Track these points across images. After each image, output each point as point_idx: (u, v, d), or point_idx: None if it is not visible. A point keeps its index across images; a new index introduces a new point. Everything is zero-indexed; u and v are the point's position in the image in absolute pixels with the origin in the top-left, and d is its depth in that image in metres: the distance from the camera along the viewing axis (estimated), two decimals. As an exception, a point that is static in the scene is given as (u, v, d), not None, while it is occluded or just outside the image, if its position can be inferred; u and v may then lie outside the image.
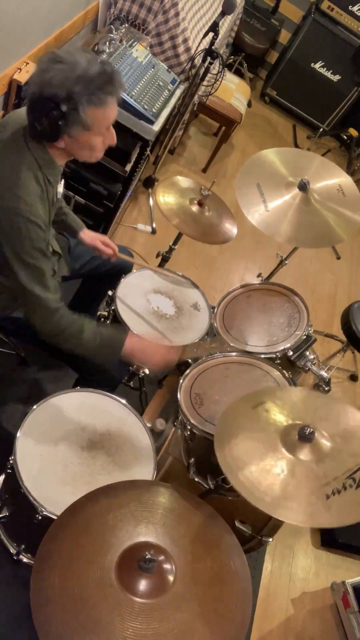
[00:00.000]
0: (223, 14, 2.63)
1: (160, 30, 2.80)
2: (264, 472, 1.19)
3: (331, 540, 2.45)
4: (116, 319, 1.94)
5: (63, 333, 1.49)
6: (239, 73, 4.74)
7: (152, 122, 2.45)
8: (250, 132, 4.76)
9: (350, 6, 4.44)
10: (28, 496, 1.38)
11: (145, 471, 1.55)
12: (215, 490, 1.59)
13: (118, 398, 1.68)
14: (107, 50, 2.44)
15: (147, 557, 1.09)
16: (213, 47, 2.77)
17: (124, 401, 1.68)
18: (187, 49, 2.82)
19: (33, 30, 2.16)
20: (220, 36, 2.75)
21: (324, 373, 2.03)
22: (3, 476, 1.58)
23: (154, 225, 3.30)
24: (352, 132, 4.79)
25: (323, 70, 4.80)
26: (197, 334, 2.01)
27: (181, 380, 1.77)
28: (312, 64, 4.79)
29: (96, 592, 1.06)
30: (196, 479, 1.67)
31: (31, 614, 1.02)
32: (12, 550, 1.59)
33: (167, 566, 1.13)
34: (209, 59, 2.83)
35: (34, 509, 1.37)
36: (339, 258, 4.09)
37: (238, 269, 3.51)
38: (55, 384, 2.23)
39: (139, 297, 2.04)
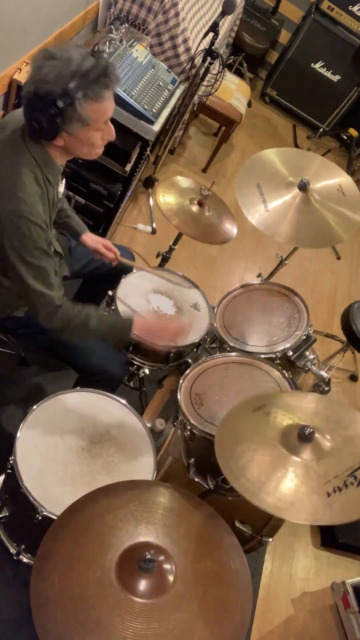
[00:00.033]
0: (223, 14, 2.63)
1: (160, 30, 2.80)
2: (264, 472, 1.19)
3: (331, 540, 2.45)
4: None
5: (70, 326, 1.52)
6: (239, 73, 4.74)
7: (152, 122, 2.45)
8: (250, 132, 4.76)
9: (350, 6, 4.44)
10: (28, 496, 1.38)
11: (145, 471, 1.55)
12: (215, 490, 1.59)
13: (118, 398, 1.68)
14: (107, 50, 2.44)
15: (147, 557, 1.09)
16: (213, 47, 2.77)
17: (124, 401, 1.68)
18: (187, 49, 2.82)
19: (33, 30, 2.16)
20: (220, 36, 2.74)
21: (323, 373, 2.03)
22: (3, 476, 1.58)
23: (154, 225, 3.30)
24: (352, 132, 4.78)
25: (323, 70, 4.80)
26: (197, 334, 2.01)
27: (181, 381, 1.77)
28: (312, 64, 4.79)
29: (96, 592, 1.06)
30: (196, 479, 1.67)
31: (31, 614, 1.02)
32: (12, 550, 1.59)
33: (167, 566, 1.13)
34: (209, 59, 2.83)
35: (34, 509, 1.37)
36: (339, 258, 4.09)
37: (238, 269, 3.51)
38: (55, 384, 2.23)
39: (139, 297, 2.04)
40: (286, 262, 2.40)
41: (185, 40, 2.80)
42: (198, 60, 2.88)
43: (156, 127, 2.48)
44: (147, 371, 2.00)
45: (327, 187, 2.06)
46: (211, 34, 2.70)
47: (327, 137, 5.27)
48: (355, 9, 4.45)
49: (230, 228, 2.16)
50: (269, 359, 1.91)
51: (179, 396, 1.72)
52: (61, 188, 1.60)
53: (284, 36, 5.07)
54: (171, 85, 2.71)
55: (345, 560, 2.47)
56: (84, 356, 1.79)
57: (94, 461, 1.51)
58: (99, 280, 2.14)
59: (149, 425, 1.66)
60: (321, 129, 4.95)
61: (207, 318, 2.10)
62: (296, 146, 4.98)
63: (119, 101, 2.28)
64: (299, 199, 2.01)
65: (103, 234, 2.80)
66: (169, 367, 2.03)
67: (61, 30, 2.43)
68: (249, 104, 4.69)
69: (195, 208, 2.09)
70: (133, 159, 2.61)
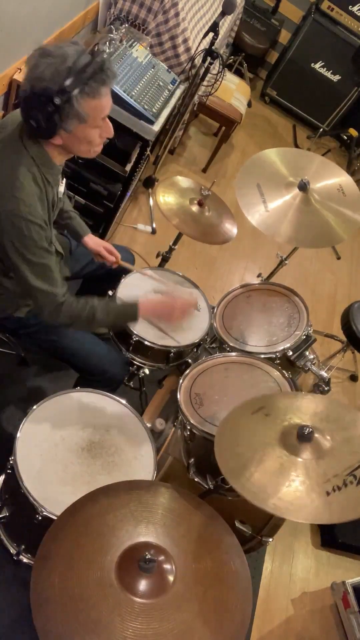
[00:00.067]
0: (223, 14, 2.63)
1: (160, 30, 2.80)
2: (264, 472, 1.19)
3: (331, 540, 2.45)
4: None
5: (75, 321, 1.54)
6: (239, 73, 4.74)
7: (152, 122, 2.45)
8: (250, 132, 4.76)
9: (350, 6, 4.45)
10: (28, 496, 1.38)
11: (145, 471, 1.55)
12: (215, 490, 1.59)
13: (118, 398, 1.68)
14: (107, 51, 2.44)
15: (147, 557, 1.09)
16: (213, 47, 2.77)
17: (124, 401, 1.68)
18: (187, 49, 2.82)
19: (33, 30, 2.16)
20: (220, 36, 2.75)
21: (323, 373, 2.03)
22: (3, 476, 1.58)
23: (154, 225, 3.30)
24: (352, 132, 4.79)
25: (323, 70, 4.80)
26: (197, 334, 2.01)
27: (181, 380, 1.77)
28: (312, 64, 4.79)
29: (96, 592, 1.06)
30: (196, 479, 1.67)
31: (31, 614, 1.02)
32: (12, 550, 1.59)
33: (167, 566, 1.13)
34: (209, 59, 2.83)
35: (34, 509, 1.37)
36: (339, 258, 4.09)
37: (238, 269, 3.51)
38: (55, 384, 2.23)
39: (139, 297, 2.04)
40: (286, 262, 2.40)
41: (185, 40, 2.80)
42: (198, 60, 2.88)
43: (156, 127, 2.48)
44: (147, 371, 2.00)
45: (327, 187, 2.05)
46: (211, 34, 2.70)
47: (327, 137, 5.27)
48: (355, 9, 4.45)
49: (230, 228, 2.16)
50: (268, 359, 1.91)
51: (178, 396, 1.72)
52: (61, 188, 1.60)
53: (284, 36, 5.08)
54: (171, 85, 2.71)
55: (345, 560, 2.47)
56: (84, 357, 1.79)
57: (94, 461, 1.51)
58: (99, 281, 2.14)
59: (149, 425, 1.66)
60: (321, 129, 4.95)
61: (207, 318, 2.10)
62: (296, 146, 4.98)
63: (119, 101, 2.28)
64: (299, 199, 2.01)
65: (103, 234, 2.80)
66: (169, 367, 2.03)
67: (61, 30, 2.43)
68: (249, 104, 4.69)
69: (195, 208, 2.09)
70: (133, 159, 2.61)
